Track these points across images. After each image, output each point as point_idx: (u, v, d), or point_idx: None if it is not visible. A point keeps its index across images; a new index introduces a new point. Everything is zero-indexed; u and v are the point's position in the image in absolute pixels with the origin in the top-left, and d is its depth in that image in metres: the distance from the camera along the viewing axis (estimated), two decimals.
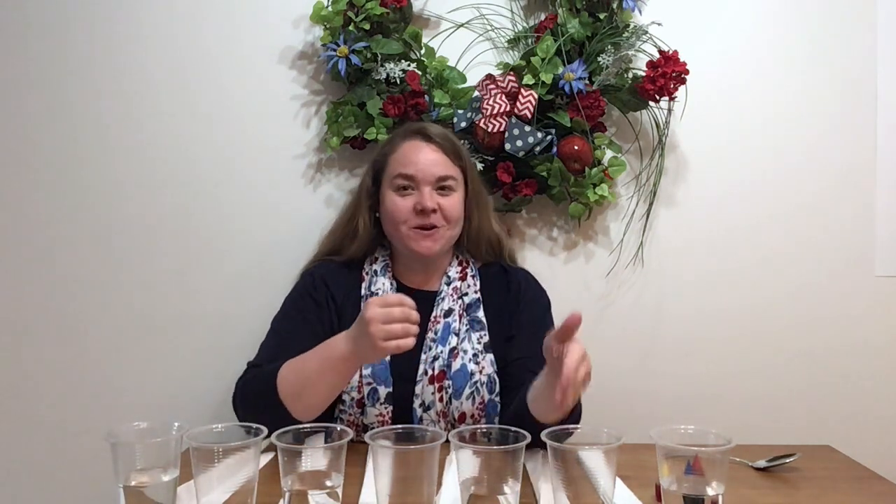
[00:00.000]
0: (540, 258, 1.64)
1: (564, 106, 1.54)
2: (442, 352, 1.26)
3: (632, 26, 1.56)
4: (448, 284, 1.35)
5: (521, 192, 1.55)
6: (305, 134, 1.62)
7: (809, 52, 1.64)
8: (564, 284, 1.61)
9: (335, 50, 1.51)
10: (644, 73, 1.52)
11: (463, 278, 1.37)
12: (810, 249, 1.65)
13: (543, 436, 0.87)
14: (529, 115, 1.50)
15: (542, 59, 1.51)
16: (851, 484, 1.08)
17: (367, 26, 1.51)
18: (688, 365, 1.65)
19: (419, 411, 1.24)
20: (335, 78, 1.55)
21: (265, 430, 0.89)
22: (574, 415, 1.12)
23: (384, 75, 1.52)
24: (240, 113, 1.61)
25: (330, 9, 1.52)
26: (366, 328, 1.04)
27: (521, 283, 1.38)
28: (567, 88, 1.51)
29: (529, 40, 1.58)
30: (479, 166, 1.51)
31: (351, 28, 1.51)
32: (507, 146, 1.50)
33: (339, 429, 0.90)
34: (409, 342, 1.05)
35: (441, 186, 1.31)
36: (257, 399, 1.16)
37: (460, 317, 1.32)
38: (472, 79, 1.58)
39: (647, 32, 1.56)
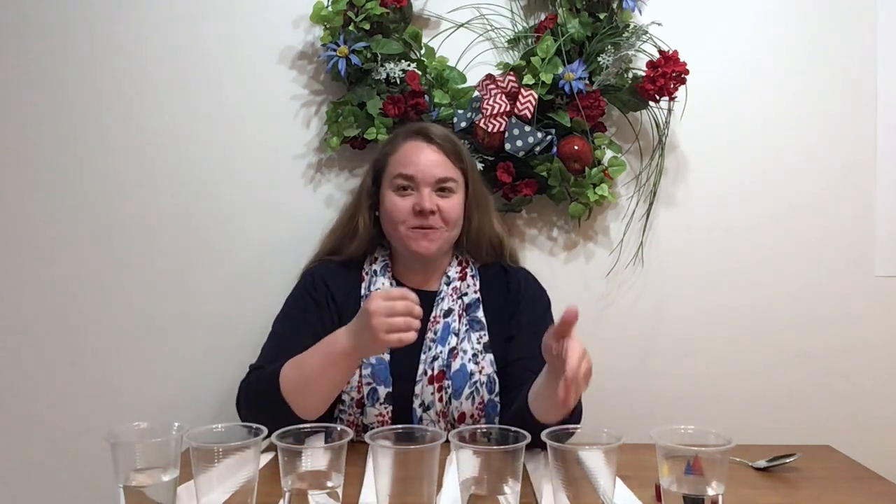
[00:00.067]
0: (540, 258, 1.64)
1: (564, 106, 1.54)
2: (441, 352, 1.26)
3: (632, 26, 1.56)
4: (448, 284, 1.35)
5: (521, 192, 1.55)
6: (305, 134, 1.62)
7: (809, 52, 1.64)
8: (564, 284, 1.61)
9: (335, 50, 1.51)
10: (644, 73, 1.52)
11: (463, 278, 1.37)
12: (810, 249, 1.65)
13: (543, 436, 0.87)
14: (529, 115, 1.50)
15: (542, 59, 1.51)
16: (851, 484, 1.08)
17: (367, 26, 1.51)
18: (688, 365, 1.65)
19: (419, 411, 1.24)
20: (335, 78, 1.55)
21: (265, 430, 0.89)
22: (575, 414, 1.12)
23: (384, 75, 1.52)
24: (240, 113, 1.61)
25: (330, 9, 1.52)
26: (368, 321, 1.04)
27: (520, 282, 1.38)
28: (567, 88, 1.51)
29: (529, 40, 1.58)
30: (480, 166, 1.51)
31: (351, 28, 1.51)
32: (507, 146, 1.50)
33: (339, 429, 0.90)
34: (411, 336, 1.05)
35: (441, 188, 1.31)
36: (260, 399, 1.16)
37: (460, 317, 1.32)
38: (472, 79, 1.58)
39: (647, 32, 1.56)
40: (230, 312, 1.61)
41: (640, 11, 1.58)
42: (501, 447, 0.86)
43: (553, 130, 1.53)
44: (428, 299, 1.32)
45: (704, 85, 1.58)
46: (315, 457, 0.87)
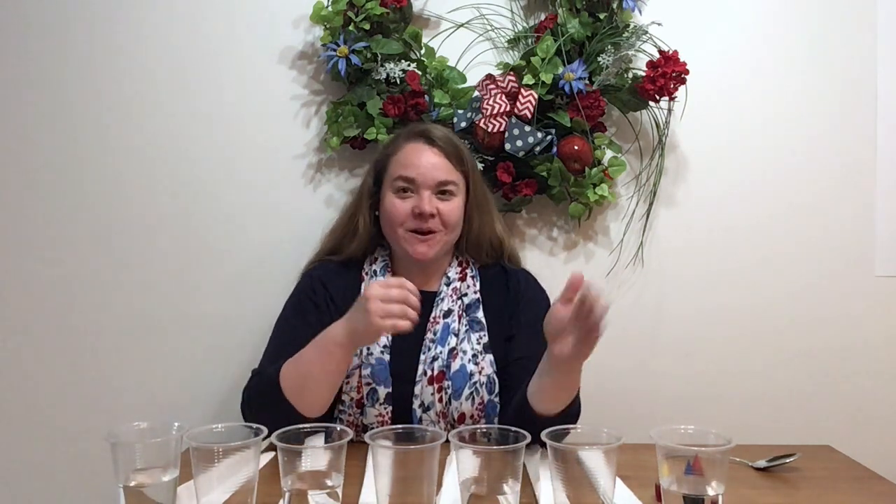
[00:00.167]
0: (540, 258, 1.64)
1: (564, 106, 1.54)
2: (441, 352, 1.26)
3: (632, 26, 1.56)
4: (448, 285, 1.35)
5: (521, 192, 1.55)
6: (305, 134, 1.62)
7: (809, 52, 1.64)
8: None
9: (335, 50, 1.51)
10: (644, 73, 1.52)
11: (462, 279, 1.36)
12: (810, 249, 1.65)
13: (543, 436, 0.87)
14: (529, 115, 1.50)
15: (542, 59, 1.51)
16: (851, 484, 1.08)
17: (367, 26, 1.51)
18: (688, 365, 1.65)
19: (419, 412, 1.24)
20: (335, 78, 1.55)
21: (265, 430, 0.89)
22: (573, 410, 1.12)
23: (384, 75, 1.52)
24: (240, 113, 1.61)
25: (330, 9, 1.52)
26: (364, 305, 1.06)
27: (520, 283, 1.38)
28: (567, 88, 1.51)
29: (529, 40, 1.58)
30: (480, 166, 1.51)
31: (351, 28, 1.51)
32: (507, 146, 1.50)
33: (339, 429, 0.90)
34: (406, 324, 1.06)
35: (441, 191, 1.30)
36: (262, 399, 1.16)
37: (460, 317, 1.32)
38: (472, 79, 1.58)
39: (647, 32, 1.56)
40: (230, 312, 1.61)
41: (640, 11, 1.58)
42: (501, 447, 0.86)
43: (553, 130, 1.53)
44: (428, 300, 1.32)
45: (704, 85, 1.58)
46: (315, 457, 0.87)
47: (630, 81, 1.56)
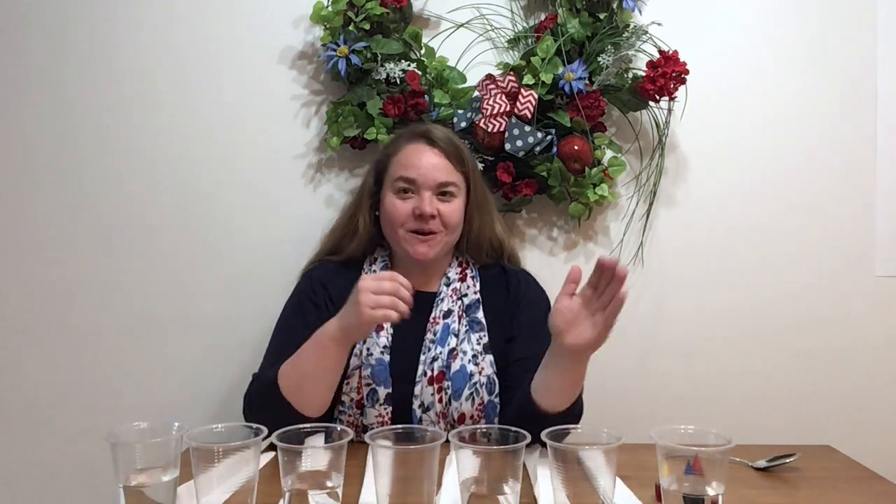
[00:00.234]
0: (540, 258, 1.64)
1: (564, 106, 1.54)
2: (441, 353, 1.26)
3: (632, 26, 1.56)
4: (447, 286, 1.35)
5: (521, 192, 1.55)
6: (305, 134, 1.62)
7: (809, 52, 1.64)
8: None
9: (335, 50, 1.51)
10: (644, 73, 1.52)
11: (462, 279, 1.36)
12: (810, 249, 1.65)
13: (543, 436, 0.87)
14: (529, 115, 1.50)
15: (542, 59, 1.51)
16: (851, 484, 1.08)
17: (367, 26, 1.51)
18: (688, 365, 1.65)
19: (418, 412, 1.24)
20: (335, 78, 1.55)
21: (265, 430, 0.89)
22: (577, 409, 1.13)
23: (384, 75, 1.52)
24: (240, 113, 1.61)
25: (330, 9, 1.52)
26: (356, 297, 1.07)
27: (520, 283, 1.38)
28: (567, 88, 1.51)
29: (529, 40, 1.58)
30: (480, 166, 1.51)
31: (351, 28, 1.51)
32: (507, 146, 1.50)
33: (339, 429, 0.90)
34: (396, 316, 1.07)
35: (442, 192, 1.30)
36: (262, 401, 1.17)
37: (459, 318, 1.32)
38: (472, 79, 1.58)
39: (647, 32, 1.56)
40: (230, 312, 1.61)
41: (640, 11, 1.58)
42: (501, 447, 0.86)
43: (553, 130, 1.53)
44: (427, 300, 1.32)
45: (704, 85, 1.58)
46: (315, 457, 0.87)
47: (630, 81, 1.56)
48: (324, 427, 0.92)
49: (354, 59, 1.50)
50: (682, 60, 1.50)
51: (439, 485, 0.95)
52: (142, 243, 1.61)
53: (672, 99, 1.55)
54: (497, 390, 1.26)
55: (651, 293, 1.65)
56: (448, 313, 1.31)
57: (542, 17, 1.59)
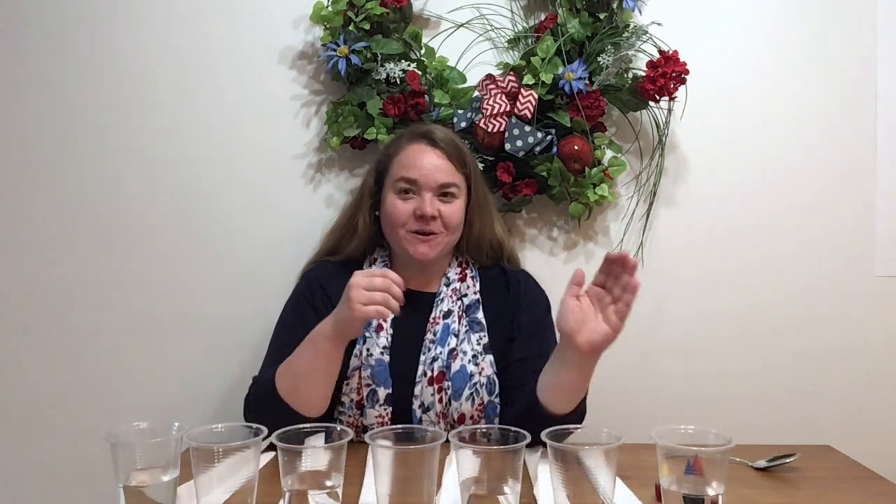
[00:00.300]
0: (540, 258, 1.64)
1: (564, 106, 1.54)
2: (441, 353, 1.26)
3: (632, 26, 1.56)
4: (447, 286, 1.35)
5: (521, 192, 1.55)
6: (305, 134, 1.62)
7: (809, 52, 1.64)
8: (564, 284, 1.59)
9: (335, 50, 1.51)
10: (644, 73, 1.52)
11: (462, 280, 1.36)
12: (810, 249, 1.65)
13: (543, 436, 0.87)
14: (529, 115, 1.50)
15: (542, 59, 1.51)
16: (851, 484, 1.08)
17: (367, 26, 1.51)
18: (688, 365, 1.65)
19: (418, 412, 1.24)
20: (335, 78, 1.55)
21: (265, 430, 0.89)
22: (581, 409, 1.13)
23: (384, 75, 1.52)
24: (240, 113, 1.61)
25: (330, 9, 1.52)
26: (347, 293, 1.07)
27: (520, 283, 1.38)
28: (567, 88, 1.51)
29: (529, 40, 1.58)
30: (480, 166, 1.51)
31: (351, 28, 1.51)
32: (507, 146, 1.50)
33: (339, 429, 0.90)
34: (387, 312, 1.08)
35: (443, 193, 1.30)
36: (261, 403, 1.17)
37: (459, 318, 1.32)
38: (472, 79, 1.58)
39: (647, 32, 1.56)
40: (230, 312, 1.61)
41: (640, 11, 1.58)
42: (501, 447, 0.86)
43: (553, 130, 1.53)
44: (427, 301, 1.33)
45: (704, 85, 1.58)
46: (315, 457, 0.87)
47: (630, 81, 1.56)
48: (324, 427, 0.92)
49: (354, 59, 1.50)
50: (682, 60, 1.50)
51: (439, 485, 0.95)
52: (142, 243, 1.61)
53: (672, 99, 1.55)
54: (497, 390, 1.26)
55: (651, 293, 1.65)
56: (448, 314, 1.31)
57: (542, 17, 1.59)
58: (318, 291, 1.32)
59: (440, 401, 1.24)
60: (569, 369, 1.08)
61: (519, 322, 1.32)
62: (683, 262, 1.65)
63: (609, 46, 1.54)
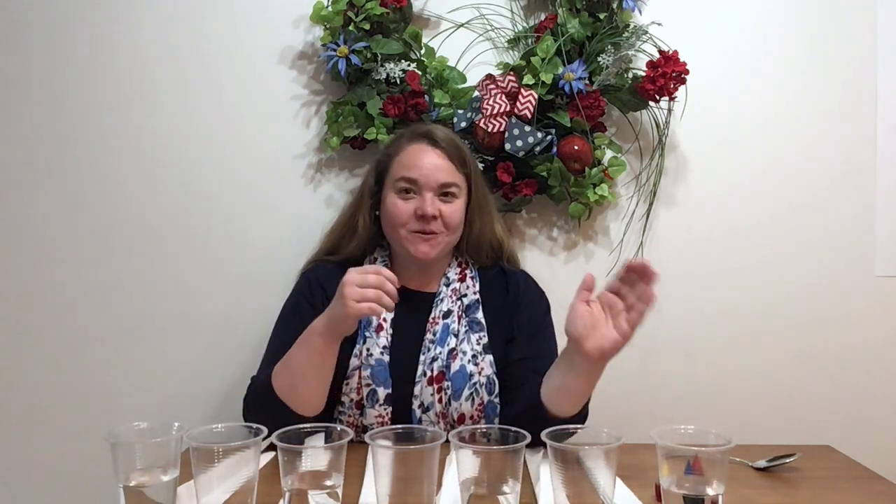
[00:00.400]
0: (540, 258, 1.64)
1: (564, 106, 1.54)
2: (441, 353, 1.26)
3: (632, 26, 1.56)
4: (447, 286, 1.35)
5: (521, 192, 1.55)
6: (305, 134, 1.62)
7: (809, 52, 1.64)
8: (564, 284, 1.59)
9: (335, 50, 1.51)
10: (644, 73, 1.52)
11: (462, 280, 1.36)
12: (810, 249, 1.65)
13: (543, 436, 0.87)
14: (529, 115, 1.50)
15: (542, 59, 1.51)
16: (851, 484, 1.08)
17: (367, 26, 1.51)
18: (688, 365, 1.65)
19: (418, 412, 1.24)
20: (335, 78, 1.55)
21: (265, 430, 0.89)
22: (585, 412, 1.13)
23: (384, 75, 1.52)
24: (240, 113, 1.61)
25: (330, 9, 1.52)
26: (341, 290, 1.07)
27: (520, 284, 1.38)
28: (567, 88, 1.51)
29: (529, 40, 1.58)
30: (480, 166, 1.51)
31: (351, 28, 1.51)
32: (507, 146, 1.50)
33: (339, 429, 0.90)
34: (381, 309, 1.07)
35: (443, 193, 1.30)
36: (259, 403, 1.17)
37: (459, 318, 1.32)
38: (472, 79, 1.58)
39: (647, 32, 1.56)
40: (230, 312, 1.61)
41: (640, 11, 1.58)
42: (501, 447, 0.86)
43: (553, 130, 1.53)
44: (427, 301, 1.32)
45: (704, 85, 1.58)
46: (315, 457, 0.87)
47: (630, 81, 1.56)
48: (324, 427, 0.92)
49: (354, 59, 1.50)
50: (682, 60, 1.50)
51: (439, 485, 0.95)
52: (142, 243, 1.61)
53: (672, 99, 1.55)
54: (497, 390, 1.26)
55: None
56: (448, 313, 1.31)
57: (542, 17, 1.59)
58: (317, 291, 1.32)
59: (440, 401, 1.24)
60: (576, 374, 1.07)
61: (518, 322, 1.32)
62: (683, 262, 1.65)
63: (609, 46, 1.54)
